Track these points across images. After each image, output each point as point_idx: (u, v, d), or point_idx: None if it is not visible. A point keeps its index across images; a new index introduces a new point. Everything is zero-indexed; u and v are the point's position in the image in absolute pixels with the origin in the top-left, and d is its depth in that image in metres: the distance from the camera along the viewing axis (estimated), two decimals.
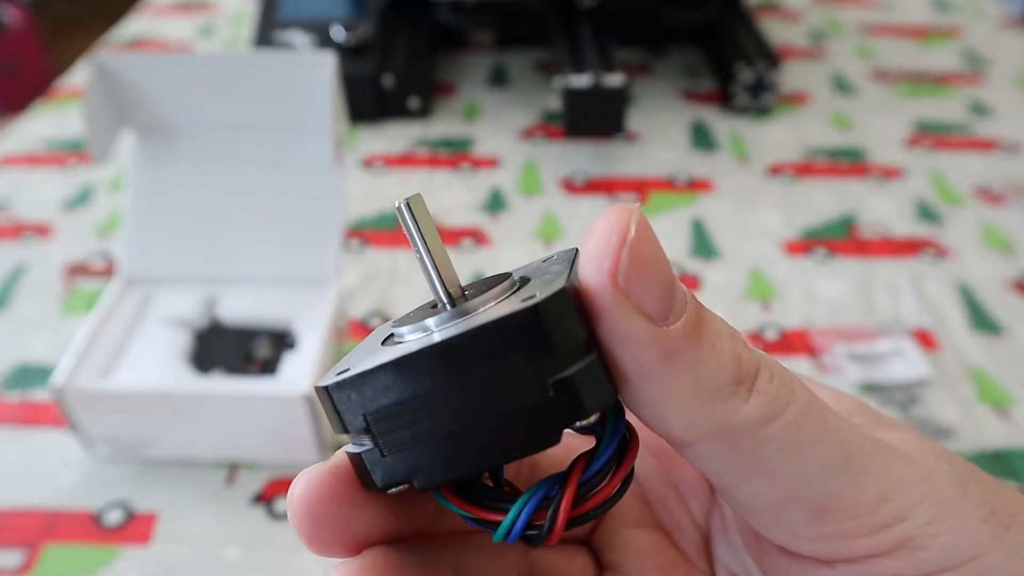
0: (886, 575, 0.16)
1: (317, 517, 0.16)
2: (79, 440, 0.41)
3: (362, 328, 0.50)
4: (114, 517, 0.40)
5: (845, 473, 0.16)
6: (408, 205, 0.17)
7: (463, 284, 0.18)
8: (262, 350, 0.43)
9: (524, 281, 0.18)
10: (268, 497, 0.40)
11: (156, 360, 0.42)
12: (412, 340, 0.17)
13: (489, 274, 0.18)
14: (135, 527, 0.39)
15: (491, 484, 0.18)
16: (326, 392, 0.16)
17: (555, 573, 0.21)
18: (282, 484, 0.41)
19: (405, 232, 0.17)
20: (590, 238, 0.15)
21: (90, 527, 0.39)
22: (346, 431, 0.17)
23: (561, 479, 0.16)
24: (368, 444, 0.16)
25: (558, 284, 0.15)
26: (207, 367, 0.42)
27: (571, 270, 0.16)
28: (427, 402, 0.15)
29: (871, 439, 0.16)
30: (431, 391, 0.15)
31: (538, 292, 0.15)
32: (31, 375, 0.47)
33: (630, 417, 0.17)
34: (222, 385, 0.41)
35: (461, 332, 0.15)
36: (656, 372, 0.15)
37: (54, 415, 0.44)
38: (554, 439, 0.15)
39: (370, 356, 0.17)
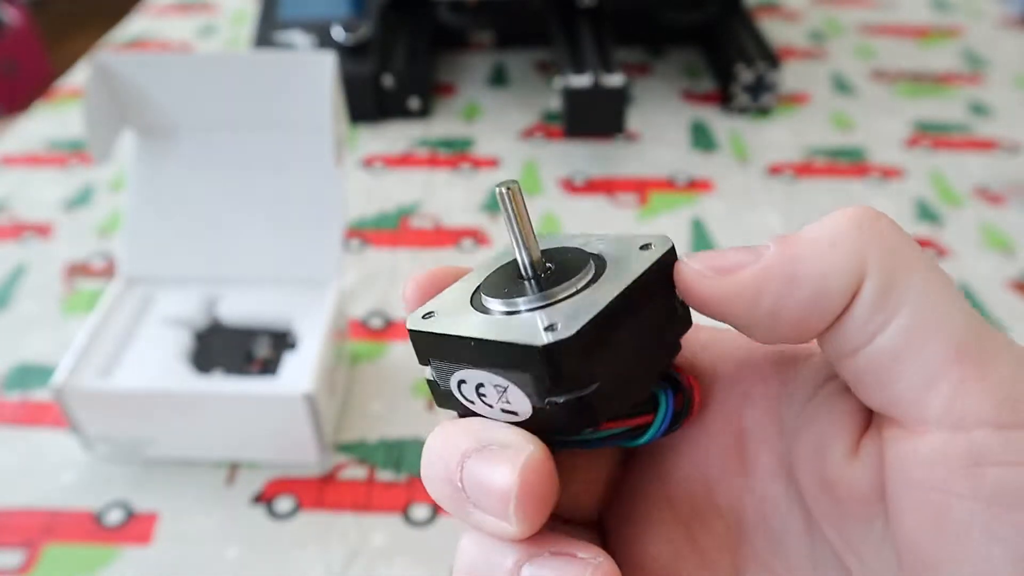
0: (1014, 452, 0.15)
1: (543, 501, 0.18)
2: (79, 440, 0.41)
3: (362, 328, 0.50)
4: (114, 517, 0.40)
5: (986, 331, 0.16)
6: (509, 192, 0.19)
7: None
8: (262, 350, 0.43)
9: (598, 260, 0.19)
10: (268, 497, 0.41)
11: (156, 360, 0.42)
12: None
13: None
14: (135, 527, 0.39)
15: None
16: (568, 345, 0.17)
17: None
18: (282, 484, 0.41)
19: (503, 215, 0.19)
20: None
21: (90, 527, 0.39)
22: (580, 384, 0.18)
23: (669, 383, 0.20)
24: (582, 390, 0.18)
25: (663, 247, 0.19)
26: (207, 367, 0.42)
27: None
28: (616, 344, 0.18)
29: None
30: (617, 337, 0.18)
31: (655, 243, 0.19)
32: (31, 375, 0.47)
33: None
34: (222, 385, 0.41)
35: (622, 289, 0.18)
36: (793, 275, 0.17)
37: (54, 415, 0.44)
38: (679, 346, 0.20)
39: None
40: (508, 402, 0.18)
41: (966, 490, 0.15)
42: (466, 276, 0.21)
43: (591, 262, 0.19)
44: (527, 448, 0.17)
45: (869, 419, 0.18)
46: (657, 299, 0.19)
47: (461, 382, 0.19)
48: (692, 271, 0.18)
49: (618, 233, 0.21)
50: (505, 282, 0.20)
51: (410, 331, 0.20)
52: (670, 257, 0.19)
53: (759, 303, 0.17)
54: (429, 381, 0.20)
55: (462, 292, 0.20)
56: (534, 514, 0.17)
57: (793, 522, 0.19)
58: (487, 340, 0.18)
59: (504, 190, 0.19)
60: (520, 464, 0.17)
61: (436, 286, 0.21)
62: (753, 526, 0.20)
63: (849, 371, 0.18)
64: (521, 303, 0.19)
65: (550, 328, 0.17)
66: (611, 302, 0.18)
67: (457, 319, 0.19)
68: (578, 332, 0.17)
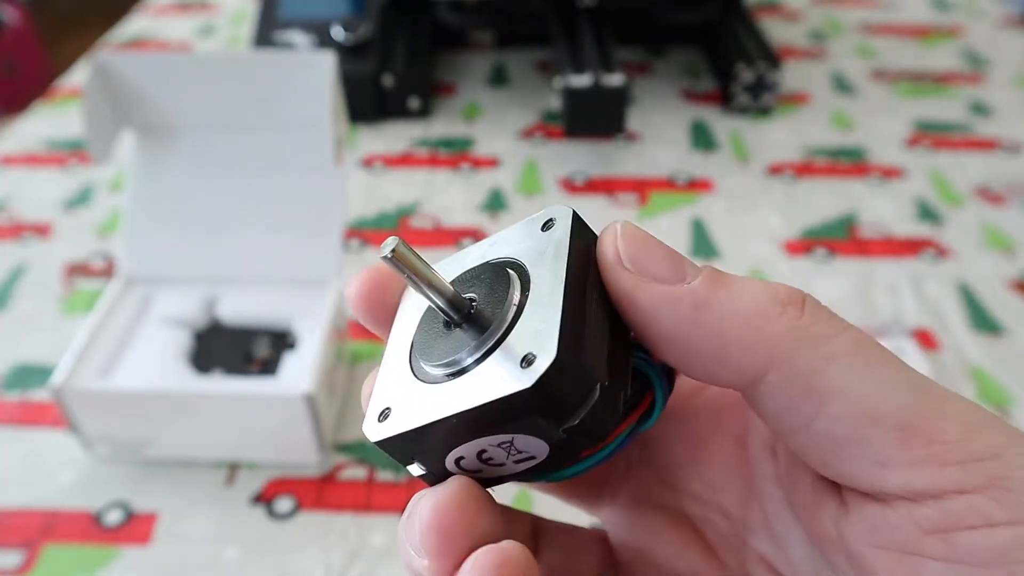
0: (978, 516, 0.15)
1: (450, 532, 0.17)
2: (79, 440, 0.41)
3: (362, 328, 0.50)
4: (114, 517, 0.40)
5: (924, 397, 0.16)
6: (394, 255, 0.17)
7: (460, 282, 0.19)
8: (262, 350, 0.43)
9: (521, 272, 0.18)
10: (268, 497, 0.40)
11: (156, 360, 0.42)
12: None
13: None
14: (135, 527, 0.39)
15: None
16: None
17: (560, 537, 0.21)
18: (282, 484, 0.41)
19: (402, 277, 0.17)
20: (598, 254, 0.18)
21: (90, 527, 0.39)
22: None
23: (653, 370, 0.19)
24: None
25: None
26: (207, 367, 0.42)
27: (569, 248, 0.17)
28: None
29: (936, 383, 0.16)
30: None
31: (556, 216, 0.18)
32: (31, 375, 0.47)
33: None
34: (222, 385, 0.41)
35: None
36: (696, 322, 0.16)
37: (54, 415, 0.44)
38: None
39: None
40: (519, 451, 0.17)
41: (941, 553, 0.15)
42: (393, 334, 0.20)
43: (510, 273, 0.18)
44: (446, 486, 0.17)
45: None
46: (591, 270, 0.18)
47: (459, 459, 0.17)
48: (613, 255, 0.18)
49: (512, 226, 0.19)
50: (437, 337, 0.18)
51: (379, 443, 0.17)
52: (579, 226, 0.18)
53: (653, 324, 0.17)
54: (422, 476, 0.18)
55: (398, 364, 0.19)
56: (444, 545, 0.16)
57: (793, 528, 0.19)
58: (471, 409, 0.16)
59: (389, 255, 0.17)
60: (429, 500, 0.17)
61: (383, 287, 0.20)
62: (757, 529, 0.20)
63: (792, 447, 0.17)
64: (467, 356, 0.17)
65: (527, 361, 0.16)
66: (565, 303, 0.16)
67: (419, 402, 0.17)
68: (559, 348, 0.15)
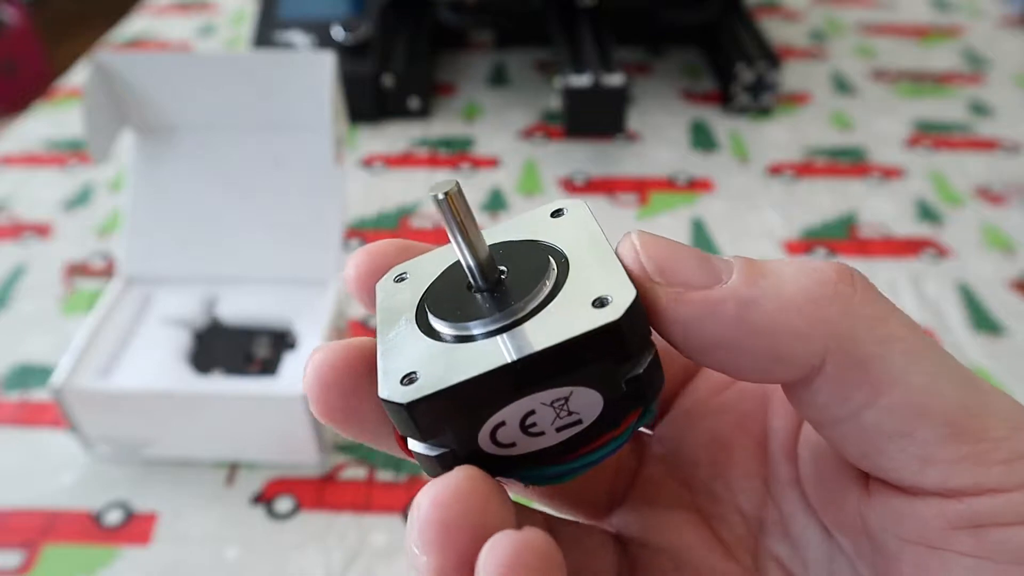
0: (1013, 513, 0.15)
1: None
2: (79, 440, 0.41)
3: (362, 328, 0.50)
4: (114, 517, 0.40)
5: (972, 391, 0.15)
6: (448, 198, 0.16)
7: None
8: (262, 350, 0.43)
9: (559, 258, 0.17)
10: (268, 497, 0.40)
11: (156, 360, 0.42)
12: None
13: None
14: (135, 527, 0.39)
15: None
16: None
17: (576, 536, 0.20)
18: (282, 484, 0.41)
19: (445, 224, 0.16)
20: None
21: (90, 527, 0.39)
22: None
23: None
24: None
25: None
26: (207, 367, 0.42)
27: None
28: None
29: (980, 377, 0.16)
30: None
31: (567, 208, 0.18)
32: (31, 375, 0.47)
33: None
34: (222, 385, 0.41)
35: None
36: (744, 321, 0.15)
37: (54, 415, 0.44)
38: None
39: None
40: (570, 413, 0.16)
41: (970, 549, 0.15)
42: (384, 315, 0.18)
43: (538, 246, 0.18)
44: (448, 475, 0.15)
45: None
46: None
47: (498, 427, 0.16)
48: (638, 270, 0.16)
49: (521, 215, 0.19)
50: (463, 302, 0.17)
51: (407, 405, 0.15)
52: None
53: (697, 335, 0.16)
54: (435, 457, 0.16)
55: (405, 337, 0.17)
56: (443, 539, 0.14)
57: (810, 530, 0.19)
58: (546, 350, 0.15)
59: (442, 197, 0.16)
60: (429, 492, 0.15)
61: (382, 267, 0.19)
62: (773, 530, 0.20)
63: (830, 438, 0.17)
64: (510, 316, 0.16)
65: (600, 302, 0.15)
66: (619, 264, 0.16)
67: (460, 360, 0.16)
68: (636, 294, 0.15)
